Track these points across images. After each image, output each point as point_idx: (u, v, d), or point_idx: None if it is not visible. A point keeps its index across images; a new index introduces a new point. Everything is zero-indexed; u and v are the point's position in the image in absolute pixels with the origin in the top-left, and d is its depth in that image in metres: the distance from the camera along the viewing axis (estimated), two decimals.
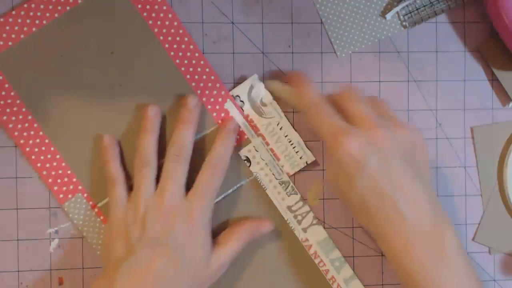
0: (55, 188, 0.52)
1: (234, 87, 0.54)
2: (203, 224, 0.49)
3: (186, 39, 0.53)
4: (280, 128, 0.54)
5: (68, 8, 0.51)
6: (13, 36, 0.51)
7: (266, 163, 0.54)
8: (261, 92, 0.53)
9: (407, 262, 0.45)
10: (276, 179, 0.54)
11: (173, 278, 0.47)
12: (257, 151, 0.54)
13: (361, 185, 0.45)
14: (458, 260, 0.45)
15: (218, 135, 0.52)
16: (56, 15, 0.51)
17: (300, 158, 0.54)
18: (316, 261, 0.54)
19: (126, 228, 0.48)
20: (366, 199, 0.45)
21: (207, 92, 0.53)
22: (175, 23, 0.52)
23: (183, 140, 0.50)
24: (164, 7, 0.52)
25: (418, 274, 0.45)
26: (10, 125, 0.51)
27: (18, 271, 0.52)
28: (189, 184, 0.50)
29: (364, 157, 0.45)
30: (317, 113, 0.48)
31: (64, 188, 0.52)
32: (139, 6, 0.52)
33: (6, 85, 0.51)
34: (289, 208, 0.54)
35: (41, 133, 0.51)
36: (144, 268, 0.46)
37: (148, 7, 0.52)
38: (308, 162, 0.54)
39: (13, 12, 0.51)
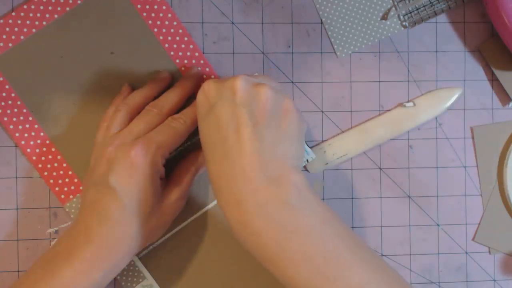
0: (57, 189, 0.52)
1: None
2: (146, 169, 0.46)
3: (185, 38, 0.53)
4: None
5: (67, 9, 0.51)
6: (13, 37, 0.51)
7: None
8: None
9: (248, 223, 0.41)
10: None
11: (118, 219, 0.46)
12: None
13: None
14: (307, 210, 0.41)
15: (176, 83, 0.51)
16: (56, 16, 0.51)
17: None
18: None
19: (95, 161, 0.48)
20: None
21: None
22: (175, 23, 0.52)
23: (164, 97, 0.50)
24: (164, 7, 0.52)
25: (260, 236, 0.41)
26: (11, 126, 0.51)
27: (18, 271, 0.52)
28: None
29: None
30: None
31: (66, 189, 0.52)
32: (139, 6, 0.52)
33: (7, 86, 0.51)
34: None
35: (42, 134, 0.51)
36: (90, 207, 0.46)
37: (147, 7, 0.52)
38: (309, 160, 0.54)
39: (13, 13, 0.51)
